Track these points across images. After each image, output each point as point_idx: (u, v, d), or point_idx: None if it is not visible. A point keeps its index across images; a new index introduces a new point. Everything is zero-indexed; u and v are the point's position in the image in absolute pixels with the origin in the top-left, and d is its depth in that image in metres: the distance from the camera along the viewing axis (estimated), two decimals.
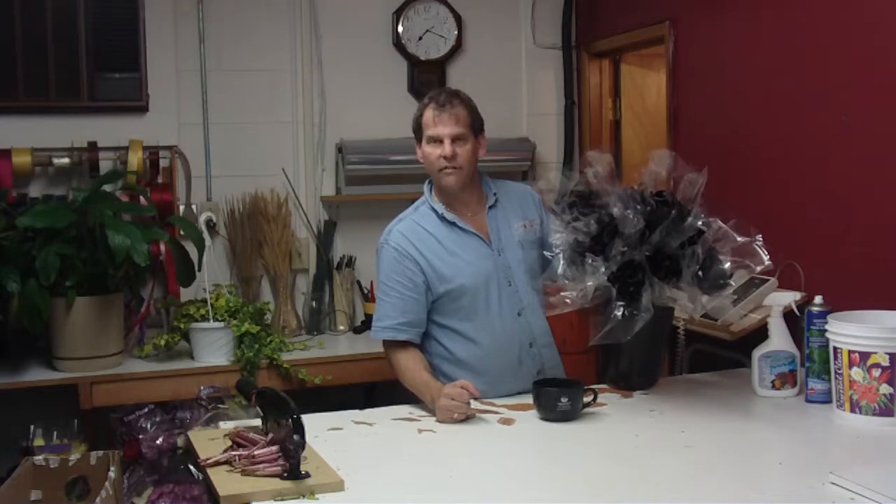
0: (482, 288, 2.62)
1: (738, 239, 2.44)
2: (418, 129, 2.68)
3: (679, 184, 2.51)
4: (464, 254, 2.64)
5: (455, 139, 2.60)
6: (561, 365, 2.76)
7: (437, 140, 2.61)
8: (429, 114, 2.63)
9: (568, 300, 2.41)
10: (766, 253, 2.45)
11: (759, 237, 2.46)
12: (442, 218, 2.66)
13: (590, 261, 2.38)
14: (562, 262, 2.44)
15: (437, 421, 2.41)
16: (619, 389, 2.64)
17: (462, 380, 2.46)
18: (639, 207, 2.41)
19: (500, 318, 2.63)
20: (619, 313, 2.38)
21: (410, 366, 2.59)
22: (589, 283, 2.38)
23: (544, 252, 2.61)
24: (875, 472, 1.91)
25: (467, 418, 2.40)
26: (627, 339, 2.42)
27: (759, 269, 2.46)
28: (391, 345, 2.65)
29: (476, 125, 2.66)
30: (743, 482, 1.96)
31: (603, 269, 2.38)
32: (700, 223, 2.43)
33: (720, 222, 2.46)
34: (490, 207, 2.70)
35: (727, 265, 2.46)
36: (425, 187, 2.74)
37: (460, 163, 2.61)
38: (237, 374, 3.34)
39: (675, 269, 2.41)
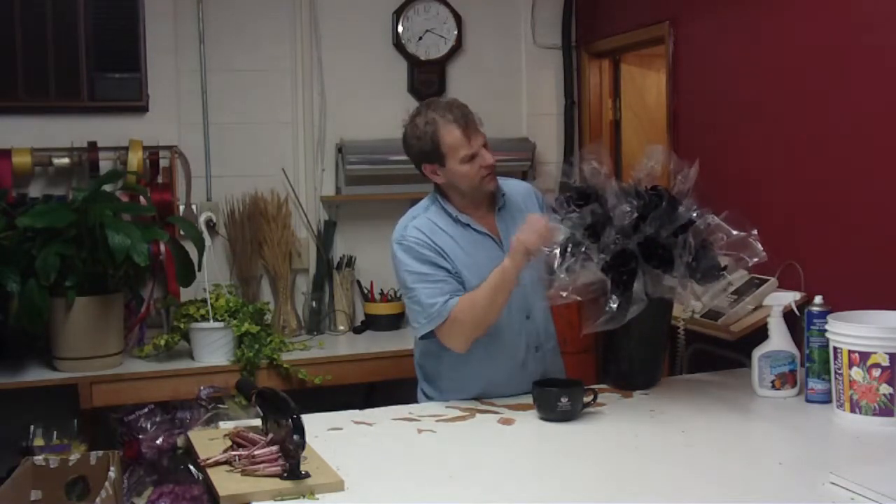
0: None
1: (734, 232, 2.44)
2: (435, 150, 2.54)
3: (675, 178, 2.52)
4: (477, 254, 2.60)
5: (485, 145, 2.56)
6: (563, 368, 2.75)
7: (474, 155, 2.54)
8: (454, 134, 2.52)
9: (563, 293, 2.40)
10: (761, 245, 2.45)
11: (755, 231, 2.45)
12: (456, 220, 2.61)
13: (584, 249, 2.38)
14: (557, 258, 2.42)
15: (531, 245, 2.40)
16: (620, 389, 2.64)
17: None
18: (633, 201, 2.42)
19: (509, 320, 2.60)
20: (614, 305, 2.38)
21: (473, 293, 2.48)
22: (581, 279, 2.38)
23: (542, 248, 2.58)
24: (875, 472, 1.91)
25: (467, 418, 2.41)
26: (629, 338, 2.42)
27: (754, 261, 2.46)
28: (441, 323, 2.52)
29: None
30: (743, 482, 1.96)
31: (597, 259, 2.38)
32: (693, 214, 2.44)
33: (714, 216, 2.46)
34: (499, 209, 2.67)
35: (721, 256, 2.46)
36: (434, 187, 2.72)
37: (495, 163, 2.58)
38: (237, 374, 3.34)
39: (668, 258, 2.41)
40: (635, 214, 2.40)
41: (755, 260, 2.45)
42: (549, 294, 2.45)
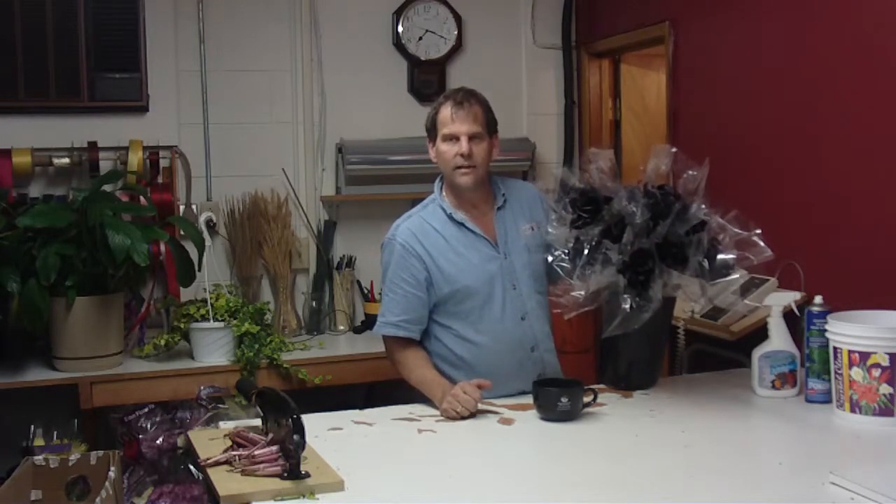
0: (486, 290, 2.61)
1: (736, 230, 2.45)
2: (433, 126, 2.64)
3: (679, 178, 2.52)
4: (470, 255, 2.62)
5: (472, 137, 2.58)
6: (560, 370, 2.75)
7: (454, 138, 2.58)
8: (446, 111, 2.60)
9: (579, 298, 2.40)
10: (765, 243, 2.45)
11: (758, 231, 2.46)
12: (450, 218, 2.64)
13: (604, 250, 2.39)
14: (574, 261, 2.43)
15: (442, 412, 2.43)
16: (619, 389, 2.64)
17: (480, 380, 2.48)
18: (642, 200, 2.43)
19: (503, 322, 2.62)
20: (626, 306, 2.38)
21: (419, 363, 2.60)
22: (593, 284, 2.38)
23: (546, 256, 2.59)
24: (875, 472, 1.91)
25: (467, 417, 2.41)
26: (628, 337, 2.42)
27: (759, 258, 2.46)
28: (394, 341, 2.65)
29: (491, 125, 2.65)
30: (743, 482, 1.96)
31: (616, 260, 2.38)
32: (702, 213, 2.45)
33: (719, 218, 2.47)
34: (499, 209, 2.68)
35: (730, 255, 2.46)
36: (436, 185, 2.73)
37: (476, 162, 2.59)
38: (237, 374, 3.34)
39: (682, 257, 2.42)
40: (648, 214, 2.40)
41: (762, 257, 2.46)
42: (565, 302, 2.45)
